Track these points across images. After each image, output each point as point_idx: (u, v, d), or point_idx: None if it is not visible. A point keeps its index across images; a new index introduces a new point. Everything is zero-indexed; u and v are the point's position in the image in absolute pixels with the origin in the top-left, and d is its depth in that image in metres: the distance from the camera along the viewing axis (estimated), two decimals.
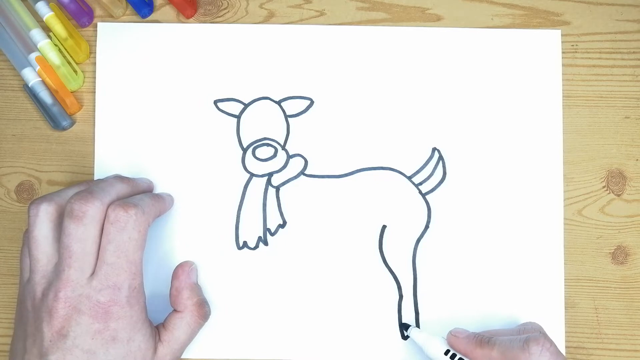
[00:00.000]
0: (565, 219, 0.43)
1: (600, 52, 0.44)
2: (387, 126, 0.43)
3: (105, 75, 0.44)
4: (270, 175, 0.43)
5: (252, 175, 0.43)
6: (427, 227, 0.42)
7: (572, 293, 0.42)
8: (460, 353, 0.37)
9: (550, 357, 0.35)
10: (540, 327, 0.39)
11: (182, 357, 0.40)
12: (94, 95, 0.44)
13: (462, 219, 0.43)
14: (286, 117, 0.43)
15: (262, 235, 0.43)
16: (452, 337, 0.38)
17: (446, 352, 0.38)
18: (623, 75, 0.44)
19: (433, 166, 0.43)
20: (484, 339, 0.37)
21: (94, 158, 0.43)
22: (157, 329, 0.39)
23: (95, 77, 0.44)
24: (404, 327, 0.41)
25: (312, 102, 0.44)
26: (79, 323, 0.34)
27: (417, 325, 0.42)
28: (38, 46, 0.43)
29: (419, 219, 0.43)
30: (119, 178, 0.40)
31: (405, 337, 0.42)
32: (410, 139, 0.43)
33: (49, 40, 0.44)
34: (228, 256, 0.42)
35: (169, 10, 0.45)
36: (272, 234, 0.43)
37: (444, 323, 0.41)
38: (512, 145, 0.43)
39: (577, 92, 0.44)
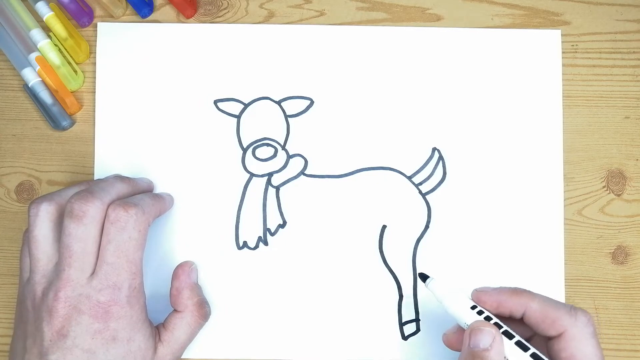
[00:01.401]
0: (565, 219, 0.43)
1: (600, 52, 0.44)
2: (387, 126, 0.43)
3: (105, 75, 0.44)
4: (270, 175, 0.43)
5: (252, 175, 0.43)
6: (427, 227, 0.42)
7: (572, 293, 0.42)
8: (490, 306, 0.34)
9: (593, 332, 0.33)
10: None
11: (182, 357, 0.40)
12: (94, 95, 0.44)
13: (462, 219, 0.43)
14: (286, 117, 0.43)
15: (262, 235, 0.43)
16: (479, 292, 0.34)
17: (473, 307, 0.34)
18: (623, 75, 0.44)
19: (433, 166, 0.43)
20: (519, 289, 0.34)
21: (94, 158, 0.43)
22: (157, 329, 0.39)
23: (95, 77, 0.44)
24: (422, 277, 0.36)
25: (312, 102, 0.44)
26: (79, 323, 0.34)
27: (418, 327, 0.42)
28: (38, 46, 0.43)
29: (419, 219, 0.43)
30: (119, 178, 0.40)
31: (405, 338, 0.42)
32: (410, 139, 0.43)
33: (49, 40, 0.44)
34: (228, 256, 0.42)
35: (169, 10, 0.45)
36: (272, 234, 0.43)
37: (444, 322, 0.41)
38: (512, 145, 0.43)
39: (577, 92, 0.44)
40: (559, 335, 0.32)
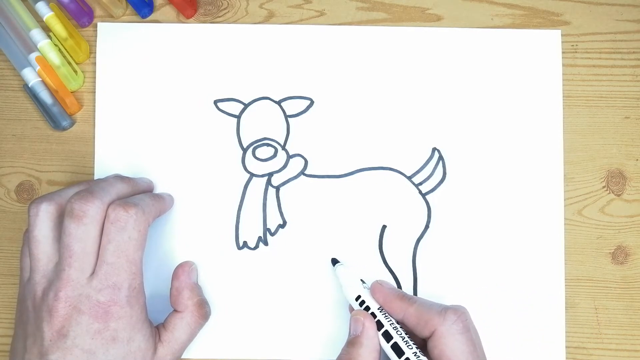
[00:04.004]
0: (565, 219, 0.43)
1: (600, 52, 0.44)
2: (387, 126, 0.43)
3: (105, 75, 0.44)
4: (270, 175, 0.43)
5: (252, 175, 0.43)
6: (427, 227, 0.42)
7: (572, 293, 0.42)
8: (378, 301, 0.37)
9: (462, 328, 0.35)
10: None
11: (182, 357, 0.40)
12: (94, 95, 0.44)
13: (462, 219, 0.43)
14: (286, 117, 0.43)
15: (262, 235, 0.43)
16: (377, 284, 0.38)
17: (357, 298, 0.38)
18: (623, 75, 0.44)
19: (433, 166, 0.43)
20: (406, 295, 0.37)
21: (94, 158, 0.43)
22: (157, 329, 0.39)
23: (95, 77, 0.44)
24: (332, 262, 0.41)
25: (312, 102, 0.44)
26: (79, 323, 0.34)
27: None
28: (38, 46, 0.43)
29: (419, 219, 0.43)
30: (119, 178, 0.40)
31: None
32: (410, 139, 0.43)
33: (49, 40, 0.44)
34: (228, 256, 0.42)
35: (169, 10, 0.45)
36: (272, 234, 0.43)
37: None
38: (512, 145, 0.43)
39: (577, 92, 0.44)
40: (431, 335, 0.35)
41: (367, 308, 0.37)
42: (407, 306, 0.36)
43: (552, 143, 0.43)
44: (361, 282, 0.39)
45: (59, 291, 0.35)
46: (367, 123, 0.43)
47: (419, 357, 0.34)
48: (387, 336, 0.36)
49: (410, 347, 0.35)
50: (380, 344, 0.36)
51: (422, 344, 0.36)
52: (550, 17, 0.44)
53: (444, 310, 0.35)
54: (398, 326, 0.36)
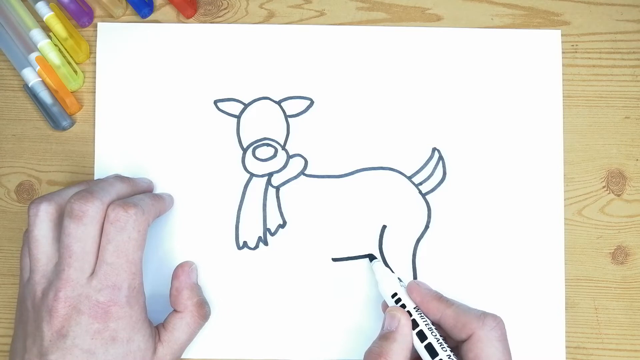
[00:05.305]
0: (565, 219, 0.43)
1: (600, 52, 0.44)
2: (387, 126, 0.43)
3: (105, 75, 0.44)
4: (270, 175, 0.43)
5: (252, 175, 0.43)
6: (427, 227, 0.42)
7: (572, 293, 0.42)
8: (414, 301, 0.37)
9: (500, 336, 0.35)
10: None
11: (182, 357, 0.40)
12: (94, 95, 0.44)
13: (462, 219, 0.43)
14: (286, 117, 0.43)
15: (262, 235, 0.43)
16: (414, 284, 0.38)
17: (393, 295, 0.38)
18: (623, 75, 0.44)
19: (433, 166, 0.43)
20: (443, 297, 0.37)
21: (94, 158, 0.43)
22: (157, 329, 0.39)
23: (95, 77, 0.44)
24: (370, 258, 0.41)
25: (312, 102, 0.44)
26: (79, 323, 0.34)
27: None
28: (38, 46, 0.43)
29: (419, 219, 0.43)
30: (119, 178, 0.40)
31: None
32: (410, 139, 0.43)
33: (49, 40, 0.44)
34: (228, 256, 0.42)
35: (169, 10, 0.45)
36: (272, 234, 0.43)
37: None
38: (512, 145, 0.43)
39: (577, 92, 0.44)
40: (468, 338, 0.35)
41: (403, 306, 0.37)
42: (444, 307, 0.36)
43: (552, 143, 0.43)
44: (398, 280, 0.39)
45: (58, 291, 0.35)
46: (367, 123, 0.43)
47: (452, 359, 0.34)
48: (422, 336, 0.36)
49: (444, 349, 0.35)
50: (413, 343, 0.36)
51: (455, 348, 0.36)
52: (550, 17, 0.44)
53: (483, 315, 0.35)
54: (433, 327, 0.36)
